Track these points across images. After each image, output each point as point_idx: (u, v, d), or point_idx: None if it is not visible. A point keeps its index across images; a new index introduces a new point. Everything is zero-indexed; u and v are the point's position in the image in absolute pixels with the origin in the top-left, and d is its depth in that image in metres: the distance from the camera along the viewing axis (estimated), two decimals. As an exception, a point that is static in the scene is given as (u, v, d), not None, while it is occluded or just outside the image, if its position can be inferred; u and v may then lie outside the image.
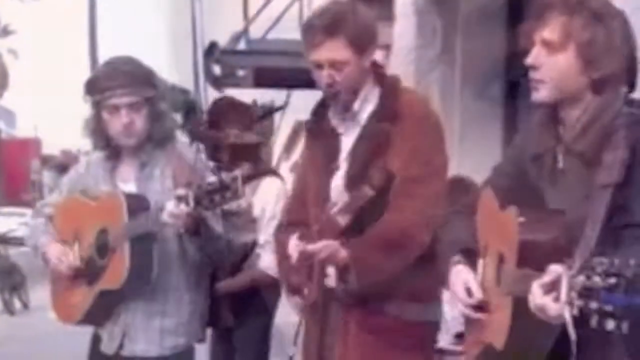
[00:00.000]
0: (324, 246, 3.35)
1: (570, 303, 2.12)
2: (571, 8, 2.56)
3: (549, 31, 2.58)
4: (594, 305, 2.08)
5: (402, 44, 8.82)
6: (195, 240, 3.66)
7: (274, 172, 5.44)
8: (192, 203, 3.38)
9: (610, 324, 2.07)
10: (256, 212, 5.00)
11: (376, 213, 3.41)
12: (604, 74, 2.54)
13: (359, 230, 3.42)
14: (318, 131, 3.62)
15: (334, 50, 3.40)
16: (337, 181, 3.50)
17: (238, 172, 3.32)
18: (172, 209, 3.46)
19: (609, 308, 2.06)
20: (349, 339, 3.49)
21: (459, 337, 5.83)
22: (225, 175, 3.32)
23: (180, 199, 3.42)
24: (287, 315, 3.83)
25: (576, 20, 2.55)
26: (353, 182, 3.43)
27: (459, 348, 5.63)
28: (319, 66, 3.45)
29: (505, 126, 7.96)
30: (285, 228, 3.74)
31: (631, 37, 2.59)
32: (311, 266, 3.48)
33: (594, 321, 2.09)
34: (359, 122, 3.49)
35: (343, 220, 3.43)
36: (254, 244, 4.93)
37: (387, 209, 3.39)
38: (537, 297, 2.29)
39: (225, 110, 5.11)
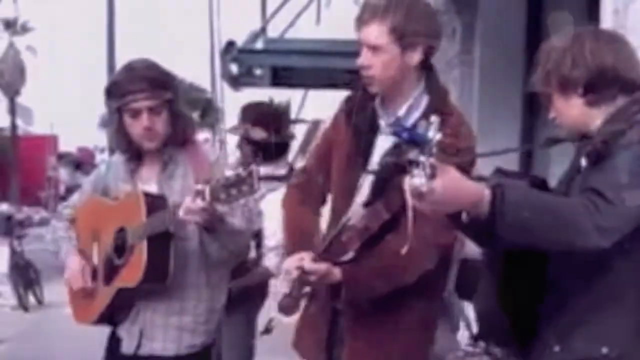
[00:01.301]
0: (319, 269, 3.34)
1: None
2: (541, 60, 2.85)
3: (543, 87, 2.87)
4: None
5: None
6: (216, 238, 3.65)
7: None
8: (208, 197, 3.38)
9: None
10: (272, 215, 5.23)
11: (386, 229, 3.36)
12: (585, 85, 2.76)
13: (366, 245, 3.40)
14: (357, 110, 3.51)
15: (375, 33, 3.32)
16: (365, 183, 3.44)
17: (254, 167, 3.32)
18: (188, 204, 3.45)
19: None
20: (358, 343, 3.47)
21: (476, 339, 5.84)
22: (242, 170, 3.32)
23: (197, 193, 3.42)
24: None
25: (546, 63, 2.82)
26: (377, 196, 3.38)
27: (477, 349, 5.62)
28: (361, 45, 3.39)
29: (523, 126, 7.94)
30: (302, 176, 3.76)
31: (606, 50, 2.79)
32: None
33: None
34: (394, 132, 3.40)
35: (351, 248, 3.41)
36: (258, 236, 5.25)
37: (395, 229, 3.32)
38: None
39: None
